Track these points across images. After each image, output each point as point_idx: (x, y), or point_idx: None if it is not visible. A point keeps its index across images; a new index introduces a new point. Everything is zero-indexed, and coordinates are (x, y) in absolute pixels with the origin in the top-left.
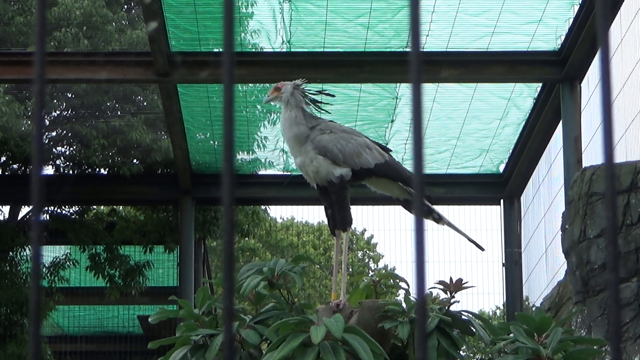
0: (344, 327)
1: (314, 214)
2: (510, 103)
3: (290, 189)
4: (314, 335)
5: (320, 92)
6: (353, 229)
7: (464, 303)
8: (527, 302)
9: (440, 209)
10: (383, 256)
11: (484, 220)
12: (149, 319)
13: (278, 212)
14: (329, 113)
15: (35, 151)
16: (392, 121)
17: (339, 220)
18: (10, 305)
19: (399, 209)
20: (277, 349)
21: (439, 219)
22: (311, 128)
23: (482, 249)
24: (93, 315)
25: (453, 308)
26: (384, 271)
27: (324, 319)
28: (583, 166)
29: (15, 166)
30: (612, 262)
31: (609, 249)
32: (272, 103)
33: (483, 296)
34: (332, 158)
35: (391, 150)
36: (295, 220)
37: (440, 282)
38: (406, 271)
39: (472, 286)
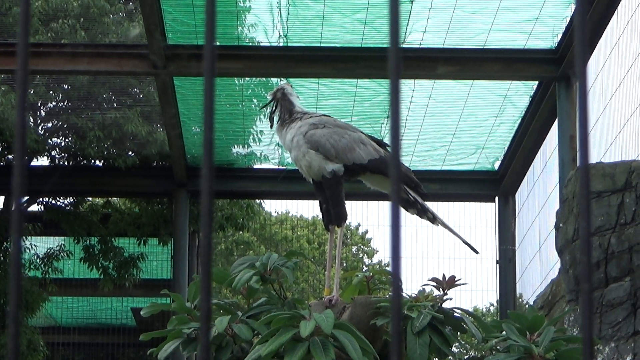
0: (334, 323)
1: (309, 209)
2: (506, 100)
3: (285, 183)
4: (303, 329)
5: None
6: (347, 223)
7: (458, 299)
8: (520, 300)
9: (434, 205)
10: (377, 251)
11: (479, 217)
12: (141, 312)
13: (273, 206)
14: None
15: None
16: (388, 117)
17: (334, 216)
18: (3, 296)
19: None
20: (266, 342)
21: (433, 219)
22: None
23: (476, 252)
24: (86, 307)
25: (446, 305)
26: (377, 267)
27: (314, 314)
28: (578, 165)
29: (10, 157)
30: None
31: (582, 258)
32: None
33: (477, 293)
34: (324, 153)
35: (389, 146)
36: (290, 214)
37: (433, 279)
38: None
39: (465, 283)
